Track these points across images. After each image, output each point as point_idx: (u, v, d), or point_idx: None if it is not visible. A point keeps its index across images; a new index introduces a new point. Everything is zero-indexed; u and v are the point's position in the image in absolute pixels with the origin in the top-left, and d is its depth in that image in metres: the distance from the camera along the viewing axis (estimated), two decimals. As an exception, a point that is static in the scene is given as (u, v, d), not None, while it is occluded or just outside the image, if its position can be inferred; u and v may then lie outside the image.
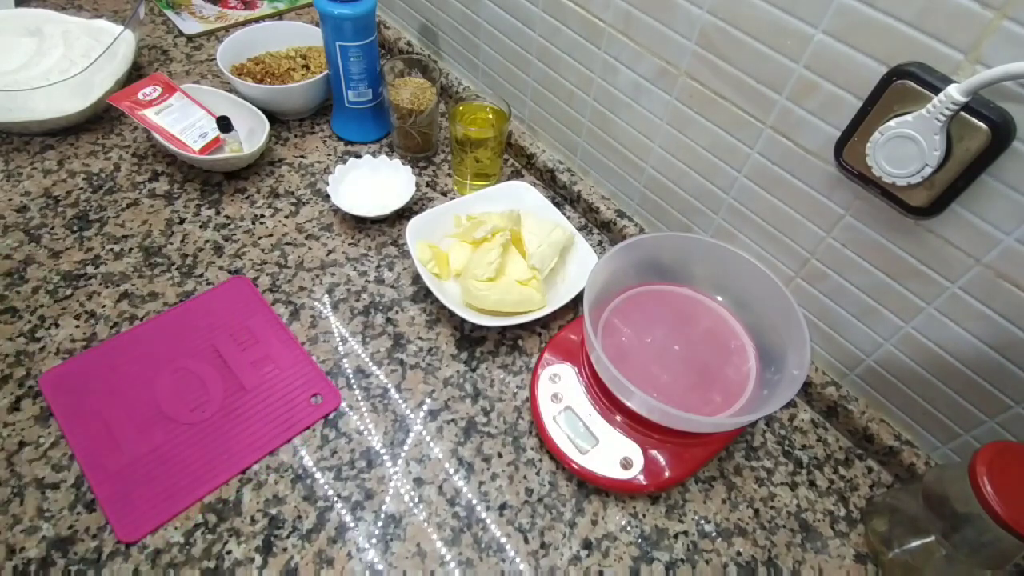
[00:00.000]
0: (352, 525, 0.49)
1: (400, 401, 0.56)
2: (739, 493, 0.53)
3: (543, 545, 0.49)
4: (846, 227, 0.49)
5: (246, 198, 0.71)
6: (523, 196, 0.69)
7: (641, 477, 0.50)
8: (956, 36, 0.37)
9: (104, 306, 0.60)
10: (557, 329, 0.62)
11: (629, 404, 0.49)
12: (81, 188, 0.70)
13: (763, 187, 0.53)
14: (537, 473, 0.53)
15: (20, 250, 0.63)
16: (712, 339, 0.56)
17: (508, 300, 0.59)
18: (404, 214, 0.69)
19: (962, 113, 0.37)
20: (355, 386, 0.57)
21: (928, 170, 0.39)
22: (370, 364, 0.58)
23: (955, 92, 0.36)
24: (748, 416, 0.46)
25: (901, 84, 0.39)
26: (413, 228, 0.63)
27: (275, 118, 0.78)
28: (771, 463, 0.56)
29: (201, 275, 0.64)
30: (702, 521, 0.52)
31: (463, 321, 0.63)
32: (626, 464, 0.50)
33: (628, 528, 0.50)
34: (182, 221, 0.68)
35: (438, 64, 0.74)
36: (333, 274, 0.65)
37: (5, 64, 0.76)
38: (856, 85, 0.43)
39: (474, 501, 0.51)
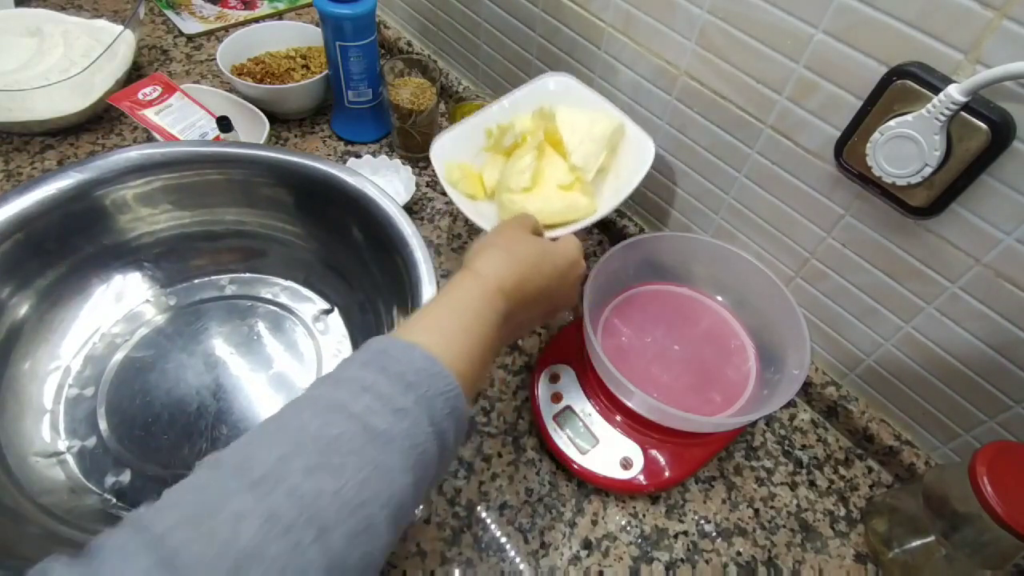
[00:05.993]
0: (352, 525, 0.49)
1: (400, 401, 0.56)
2: (739, 493, 0.53)
3: (543, 545, 0.49)
4: (846, 227, 0.49)
5: (246, 198, 0.71)
6: (560, 90, 0.60)
7: (641, 477, 0.50)
8: (956, 36, 0.37)
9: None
10: (557, 329, 0.62)
11: (629, 404, 0.49)
12: (81, 188, 0.70)
13: (763, 187, 0.53)
14: (537, 473, 0.53)
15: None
16: (712, 339, 0.56)
17: (550, 210, 0.52)
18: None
19: (962, 113, 0.37)
20: (355, 386, 0.57)
21: (928, 170, 0.39)
22: (370, 364, 0.58)
23: (955, 92, 0.36)
24: (748, 416, 0.46)
25: (901, 84, 0.39)
26: (439, 149, 0.57)
27: (275, 118, 0.78)
28: (771, 463, 0.56)
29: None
30: (702, 521, 0.52)
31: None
32: (626, 464, 0.50)
33: (628, 528, 0.50)
34: (182, 221, 0.68)
35: (438, 64, 0.74)
36: (333, 274, 0.65)
37: (5, 64, 0.75)
38: (856, 85, 0.43)
39: (474, 501, 0.51)
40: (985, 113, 0.36)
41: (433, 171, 0.77)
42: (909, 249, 0.46)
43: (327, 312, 0.60)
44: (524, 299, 0.40)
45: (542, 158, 0.54)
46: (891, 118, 0.40)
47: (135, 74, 0.83)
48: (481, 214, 0.53)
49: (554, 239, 0.46)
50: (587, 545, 0.49)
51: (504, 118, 0.57)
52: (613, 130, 0.55)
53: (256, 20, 0.94)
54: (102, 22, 0.82)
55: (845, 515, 0.53)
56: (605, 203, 0.54)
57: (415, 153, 0.77)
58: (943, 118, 0.37)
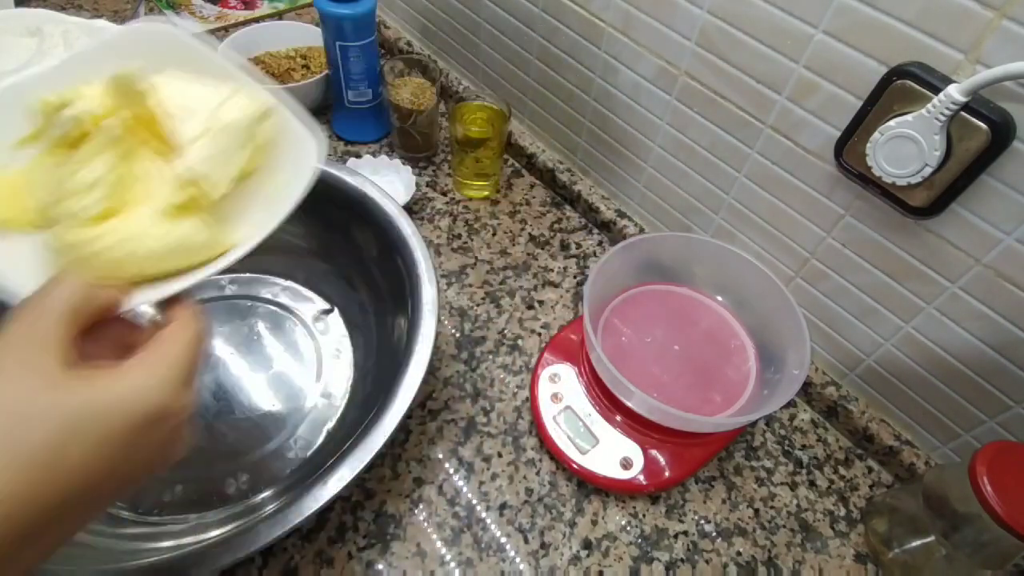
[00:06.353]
0: (352, 525, 0.49)
1: (400, 401, 0.56)
2: (739, 493, 0.53)
3: (543, 545, 0.49)
4: (846, 227, 0.49)
5: (246, 198, 0.71)
6: (161, 46, 0.37)
7: (641, 477, 0.50)
8: (956, 36, 0.37)
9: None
10: (557, 329, 0.62)
11: (629, 404, 0.49)
12: (81, 188, 0.70)
13: (763, 187, 0.53)
14: (537, 473, 0.53)
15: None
16: (712, 339, 0.56)
17: (146, 253, 0.30)
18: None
19: (962, 113, 0.37)
20: (355, 386, 0.57)
21: (928, 170, 0.39)
22: (370, 364, 0.58)
23: (955, 92, 0.36)
24: (748, 416, 0.46)
25: (901, 84, 0.39)
26: None
27: (275, 118, 0.77)
28: (771, 463, 0.56)
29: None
30: (702, 521, 0.52)
31: (463, 319, 0.62)
32: (626, 464, 0.50)
33: (628, 528, 0.50)
34: (182, 221, 0.68)
35: (438, 64, 0.74)
36: (333, 274, 0.65)
37: (5, 64, 0.75)
38: (856, 85, 0.43)
39: (474, 501, 0.51)
40: (985, 113, 0.36)
41: (434, 171, 0.77)
42: (909, 249, 0.46)
43: (327, 312, 0.60)
44: (39, 524, 0.23)
45: (130, 160, 0.31)
46: (891, 118, 0.40)
47: (135, 74, 0.83)
48: (15, 261, 0.29)
49: (142, 314, 0.29)
50: (587, 545, 0.49)
51: (60, 83, 0.31)
52: (258, 116, 0.33)
53: (256, 20, 0.94)
54: (102, 22, 0.82)
55: (845, 515, 0.53)
56: (247, 233, 0.33)
57: (415, 153, 0.77)
58: (943, 118, 0.37)
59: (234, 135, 0.33)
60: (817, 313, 0.56)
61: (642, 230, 0.69)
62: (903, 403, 0.54)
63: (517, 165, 0.79)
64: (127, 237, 0.30)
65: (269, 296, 0.61)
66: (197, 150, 0.31)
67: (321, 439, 0.53)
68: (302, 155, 0.34)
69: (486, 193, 0.74)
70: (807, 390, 0.59)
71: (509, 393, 0.57)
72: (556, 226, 0.72)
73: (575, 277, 0.67)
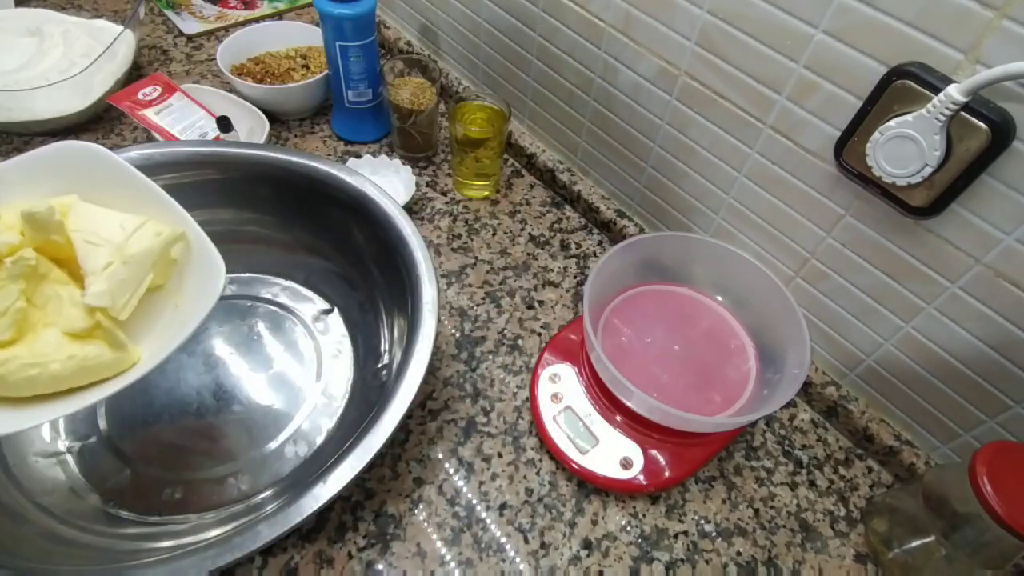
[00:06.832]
0: (352, 525, 0.49)
1: (400, 401, 0.56)
2: (739, 493, 0.53)
3: (543, 545, 0.49)
4: (846, 227, 0.49)
5: (246, 198, 0.71)
6: (79, 167, 0.38)
7: (641, 477, 0.50)
8: (956, 36, 0.37)
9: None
10: (557, 329, 0.62)
11: (629, 404, 0.49)
12: (81, 188, 0.70)
13: (763, 187, 0.53)
14: (537, 473, 0.53)
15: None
16: (712, 339, 0.56)
17: (54, 374, 0.33)
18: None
19: (962, 113, 0.37)
20: (355, 386, 0.57)
21: (928, 170, 0.39)
22: (370, 364, 0.58)
23: (955, 92, 0.36)
24: (748, 416, 0.46)
25: (901, 84, 0.39)
26: None
27: (275, 118, 0.78)
28: (771, 463, 0.56)
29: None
30: (702, 521, 0.52)
31: (463, 319, 0.62)
32: (626, 464, 0.50)
33: (628, 528, 0.50)
34: (182, 221, 0.68)
35: (438, 64, 0.74)
36: (333, 274, 0.65)
37: (5, 64, 0.75)
38: (856, 85, 0.43)
39: (474, 501, 0.51)
40: (985, 113, 0.36)
41: (434, 171, 0.77)
42: (909, 249, 0.46)
43: (327, 312, 0.60)
44: None
45: (37, 287, 0.34)
46: (891, 118, 0.40)
47: (135, 74, 0.83)
48: None
49: None
50: (587, 545, 0.49)
51: None
52: (163, 244, 0.36)
53: (256, 20, 0.94)
54: (102, 22, 0.82)
55: (845, 515, 0.53)
56: (153, 349, 0.36)
57: (415, 153, 0.77)
58: (943, 118, 0.37)
59: (140, 263, 0.35)
60: (817, 313, 0.56)
61: (642, 230, 0.69)
62: (903, 403, 0.54)
63: (517, 165, 0.79)
64: (33, 362, 0.33)
65: (269, 296, 0.61)
66: (105, 278, 0.34)
67: (321, 439, 0.53)
68: (209, 274, 0.37)
69: (486, 193, 0.74)
70: (807, 390, 0.59)
71: (509, 393, 0.57)
72: (556, 226, 0.72)
73: (575, 277, 0.67)
